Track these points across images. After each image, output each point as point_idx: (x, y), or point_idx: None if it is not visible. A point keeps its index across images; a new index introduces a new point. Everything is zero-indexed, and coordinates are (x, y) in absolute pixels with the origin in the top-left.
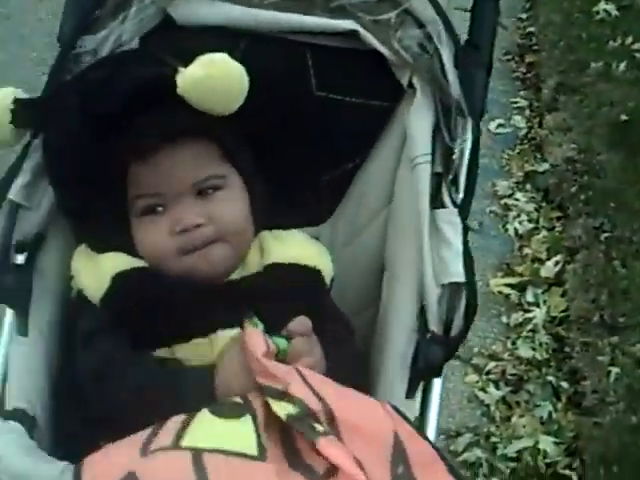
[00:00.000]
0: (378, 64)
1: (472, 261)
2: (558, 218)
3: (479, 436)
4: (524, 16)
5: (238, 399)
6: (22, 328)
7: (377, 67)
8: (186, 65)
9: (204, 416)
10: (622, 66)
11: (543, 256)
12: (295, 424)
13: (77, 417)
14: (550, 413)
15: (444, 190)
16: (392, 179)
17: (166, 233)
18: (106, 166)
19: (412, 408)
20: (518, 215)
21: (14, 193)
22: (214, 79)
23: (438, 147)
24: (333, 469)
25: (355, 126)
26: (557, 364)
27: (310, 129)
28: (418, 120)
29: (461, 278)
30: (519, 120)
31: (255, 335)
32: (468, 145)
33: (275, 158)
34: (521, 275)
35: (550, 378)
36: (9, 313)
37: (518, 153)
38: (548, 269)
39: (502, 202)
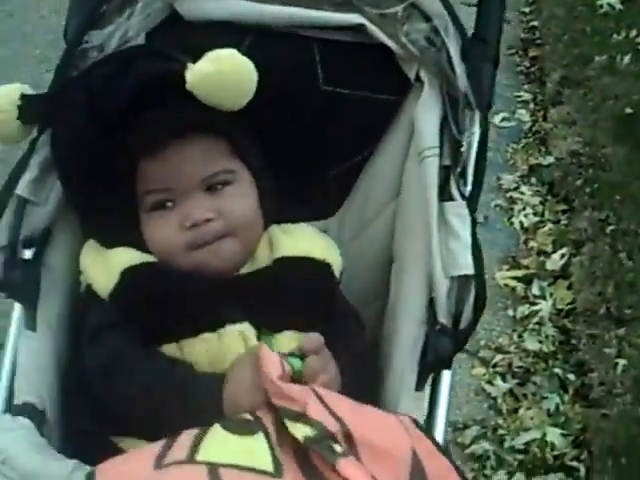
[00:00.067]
0: (385, 58)
1: (481, 253)
2: (564, 211)
3: (486, 429)
4: (527, 10)
5: (248, 416)
6: (30, 323)
7: (384, 61)
8: (195, 61)
9: (217, 432)
10: (626, 59)
11: (549, 249)
12: (313, 446)
13: (86, 412)
14: (557, 405)
15: (452, 183)
16: (400, 172)
17: (176, 228)
18: (115, 162)
19: (421, 400)
20: (523, 208)
21: (21, 188)
22: (223, 74)
23: (446, 140)
24: None
25: (362, 120)
26: (564, 356)
27: (317, 123)
28: (426, 113)
29: (470, 270)
30: (523, 114)
31: (270, 357)
32: (476, 138)
33: (282, 152)
34: (527, 268)
35: (557, 370)
36: (17, 308)
37: (523, 147)
38: (554, 262)
39: (507, 195)
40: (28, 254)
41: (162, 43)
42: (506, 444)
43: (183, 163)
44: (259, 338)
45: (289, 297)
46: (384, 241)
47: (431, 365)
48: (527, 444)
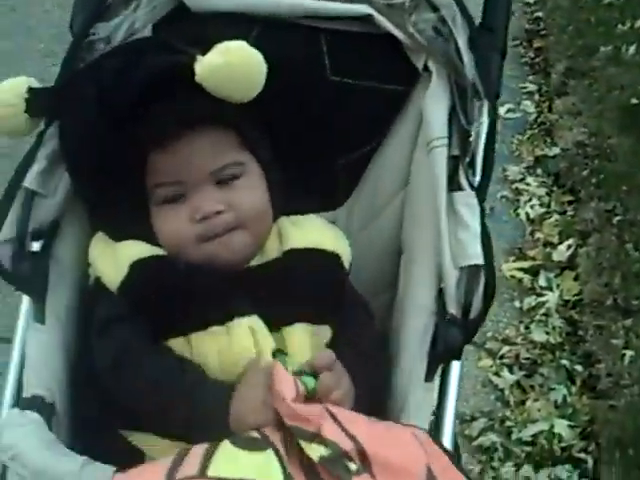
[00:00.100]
0: (393, 48)
1: (490, 243)
2: (570, 202)
3: (494, 420)
4: (532, 1)
5: (255, 434)
6: (39, 315)
7: (392, 51)
8: (203, 53)
9: (226, 447)
10: (631, 49)
11: (555, 240)
12: (328, 465)
13: (95, 405)
14: (565, 397)
15: (461, 173)
16: (408, 163)
17: (186, 221)
18: (124, 155)
19: (431, 391)
20: (529, 199)
21: (29, 181)
22: (233, 67)
23: (454, 130)
24: None
25: (370, 110)
26: (571, 348)
27: (325, 114)
28: (434, 103)
29: (479, 260)
30: (528, 105)
31: (284, 378)
32: (484, 128)
33: (290, 143)
34: (533, 259)
35: (564, 362)
36: (26, 300)
37: (528, 138)
38: (560, 253)
39: (513, 187)
40: (36, 246)
41: (169, 35)
42: (513, 436)
43: (193, 155)
44: (270, 331)
45: (299, 289)
46: (393, 231)
47: (441, 356)
48: (534, 436)
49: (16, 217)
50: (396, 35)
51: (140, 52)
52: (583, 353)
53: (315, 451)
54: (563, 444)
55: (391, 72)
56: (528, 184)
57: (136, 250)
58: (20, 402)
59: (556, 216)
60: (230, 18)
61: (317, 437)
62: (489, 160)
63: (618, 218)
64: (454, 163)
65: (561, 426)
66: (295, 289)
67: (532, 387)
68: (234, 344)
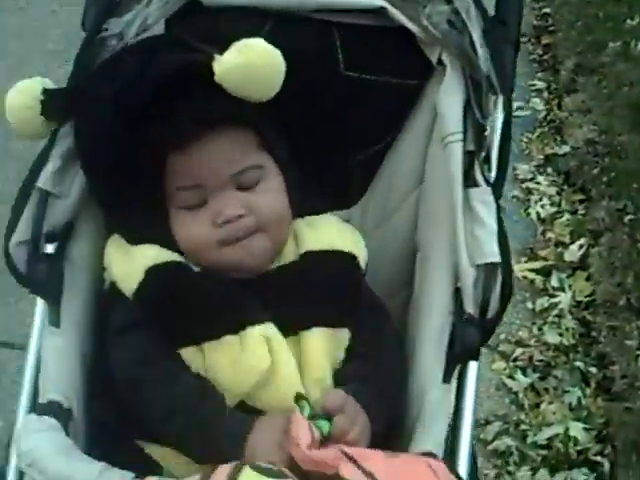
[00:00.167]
0: (406, 41)
1: (507, 240)
2: (581, 201)
3: (508, 424)
4: None
5: (272, 465)
6: (54, 318)
7: (405, 45)
8: (220, 51)
9: (248, 472)
10: None
11: (567, 240)
12: None
13: (111, 412)
14: (579, 399)
15: (477, 168)
16: (423, 159)
17: (208, 225)
18: (142, 155)
19: (449, 392)
20: (540, 199)
21: (43, 181)
22: (252, 66)
23: (469, 125)
24: None
25: (384, 105)
26: (585, 349)
27: (339, 109)
28: (448, 97)
29: (496, 258)
30: (537, 102)
31: (300, 424)
32: (499, 122)
33: (304, 140)
34: (545, 259)
35: (578, 364)
36: (40, 304)
37: (538, 136)
38: (572, 253)
39: (523, 186)
40: (51, 248)
41: (182, 30)
42: (529, 439)
43: (213, 157)
44: (287, 336)
45: (316, 292)
46: (408, 229)
47: (459, 356)
48: (550, 439)
49: (31, 218)
50: (410, 28)
51: (155, 51)
52: (597, 354)
53: None
54: (579, 447)
55: (405, 66)
56: (538, 183)
57: (151, 255)
58: (37, 407)
59: (567, 215)
60: (243, 12)
61: (336, 478)
62: (505, 155)
63: (630, 217)
64: (469, 158)
65: (576, 429)
66: (312, 292)
67: (546, 390)
68: (247, 355)
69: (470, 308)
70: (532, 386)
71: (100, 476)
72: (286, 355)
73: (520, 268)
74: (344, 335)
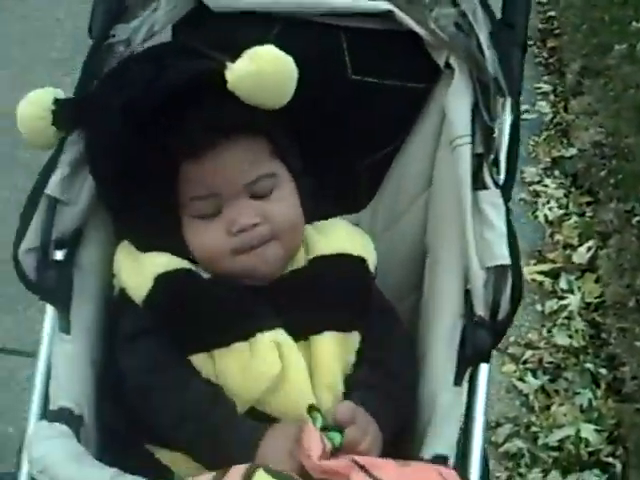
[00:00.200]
0: (414, 45)
1: (516, 242)
2: (588, 203)
3: (519, 426)
4: (544, 0)
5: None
6: (64, 325)
7: (413, 48)
8: (232, 58)
9: (261, 474)
10: None
11: (575, 242)
12: None
13: (121, 418)
14: (590, 401)
15: (485, 171)
16: (431, 162)
17: (222, 233)
18: (154, 165)
19: (460, 395)
20: (547, 201)
21: (51, 188)
22: (265, 74)
23: (478, 127)
24: None
25: (392, 109)
26: (594, 351)
27: (346, 114)
28: (457, 101)
29: (506, 260)
30: (544, 105)
31: (312, 435)
32: (507, 125)
33: (312, 144)
34: (553, 262)
35: (588, 365)
36: (49, 311)
37: (544, 139)
38: (580, 255)
39: (531, 189)
40: (60, 255)
41: (189, 36)
42: (540, 441)
43: (228, 165)
44: (298, 341)
45: (326, 296)
46: (417, 232)
47: (470, 359)
48: (561, 441)
49: (40, 225)
50: (417, 31)
51: (165, 59)
52: (607, 356)
53: None
54: (590, 449)
55: (412, 69)
56: (546, 186)
57: (161, 262)
58: (48, 414)
59: (575, 218)
60: (250, 17)
61: None
62: (514, 158)
63: (638, 218)
64: (478, 161)
65: (587, 430)
66: (322, 296)
67: (557, 392)
68: (257, 361)
69: (480, 310)
70: (542, 388)
71: None
72: (297, 360)
73: (529, 270)
74: (355, 339)
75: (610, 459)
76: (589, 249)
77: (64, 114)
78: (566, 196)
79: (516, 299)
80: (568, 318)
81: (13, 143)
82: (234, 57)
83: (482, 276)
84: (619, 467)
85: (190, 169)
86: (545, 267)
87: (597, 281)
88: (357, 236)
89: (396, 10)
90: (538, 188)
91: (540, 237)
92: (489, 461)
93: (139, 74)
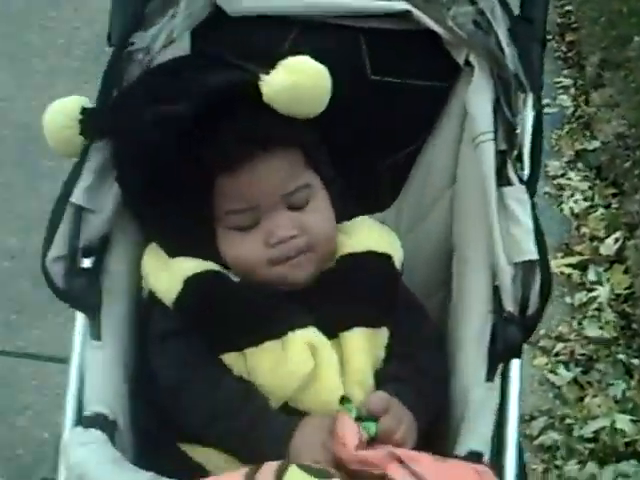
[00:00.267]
0: (432, 44)
1: (543, 237)
2: (614, 195)
3: (554, 419)
4: None
5: (318, 465)
6: (95, 332)
7: (432, 47)
8: (265, 68)
9: (294, 470)
10: None
11: (602, 234)
12: None
13: (155, 420)
14: (624, 391)
15: (509, 167)
16: (455, 160)
17: (260, 244)
18: (188, 178)
19: (493, 390)
20: (572, 194)
21: (77, 196)
22: (301, 87)
23: (500, 124)
24: None
25: (413, 108)
26: (626, 341)
27: (367, 114)
28: (478, 98)
29: (534, 255)
30: (565, 99)
31: (347, 425)
32: (530, 120)
33: (334, 147)
34: (581, 254)
35: (620, 356)
36: (80, 317)
37: (567, 132)
38: (608, 246)
39: (555, 182)
40: (88, 262)
41: (208, 41)
42: (575, 433)
43: (264, 178)
44: (329, 338)
45: (354, 292)
46: (442, 230)
47: (501, 354)
48: (596, 432)
49: (66, 234)
50: (436, 30)
51: (197, 70)
52: (639, 346)
53: None
54: (626, 439)
55: (432, 68)
56: (570, 179)
57: (190, 265)
58: (82, 420)
59: (601, 210)
60: (268, 21)
61: (383, 479)
62: (537, 152)
63: None
64: (502, 157)
65: (623, 421)
66: (351, 293)
67: (589, 383)
68: (289, 359)
69: (510, 306)
70: (575, 380)
71: None
72: (329, 358)
73: (556, 264)
74: (383, 334)
75: None
76: (616, 240)
77: (92, 123)
78: (591, 188)
79: (545, 294)
80: (598, 310)
81: (37, 152)
82: (267, 66)
83: (510, 272)
84: None
85: (226, 182)
86: (573, 260)
87: (626, 272)
88: (383, 233)
89: (414, 9)
90: (562, 181)
91: (566, 230)
92: (524, 454)
93: (171, 86)
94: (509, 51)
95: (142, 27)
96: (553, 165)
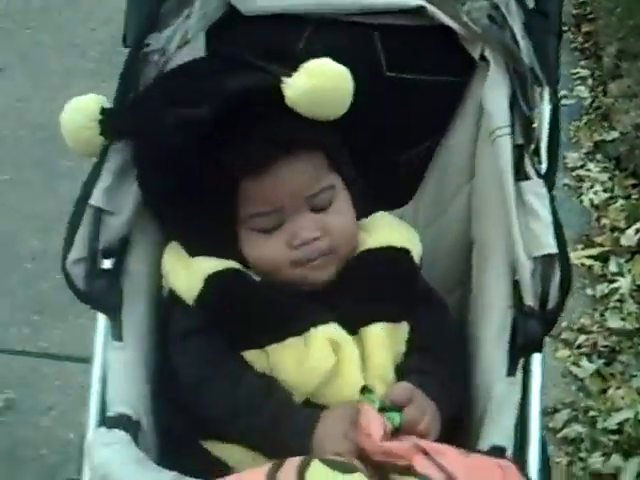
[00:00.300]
0: (447, 39)
1: (562, 231)
2: (633, 185)
3: (577, 411)
4: None
5: (341, 458)
6: (116, 333)
7: (446, 42)
8: (286, 70)
9: (317, 465)
10: None
11: (622, 225)
12: None
13: (177, 418)
14: None
15: (527, 161)
16: (472, 155)
17: (283, 246)
18: (212, 182)
19: (515, 385)
20: (592, 186)
21: (96, 198)
22: (324, 90)
23: (517, 118)
24: None
25: (429, 104)
26: None
27: (383, 111)
28: (494, 92)
29: (553, 249)
30: (582, 90)
31: (371, 415)
32: (546, 114)
33: (353, 145)
34: (601, 245)
35: None
36: (101, 319)
37: (585, 123)
38: (629, 237)
39: (574, 174)
40: (108, 264)
41: (222, 41)
42: (599, 425)
43: (289, 180)
44: (350, 333)
45: (374, 287)
46: (461, 226)
47: (522, 349)
48: (620, 424)
49: (86, 235)
50: (450, 26)
51: (218, 73)
52: None
53: None
54: None
55: (447, 64)
56: (589, 170)
57: (211, 263)
58: (106, 421)
59: (621, 201)
60: (282, 19)
61: (408, 470)
62: (555, 146)
63: None
64: (519, 152)
65: None
66: (370, 288)
67: (612, 375)
68: (311, 355)
69: (530, 300)
70: (598, 372)
71: None
72: (351, 353)
73: (577, 255)
74: (404, 329)
75: None
76: (637, 231)
77: (112, 125)
78: (610, 179)
79: (565, 287)
80: (620, 301)
81: (55, 152)
82: (288, 67)
83: (529, 266)
84: None
85: (249, 186)
86: (593, 251)
87: None
88: (401, 228)
89: (428, 5)
90: (581, 173)
91: (586, 221)
92: (548, 447)
93: (191, 89)
94: (524, 45)
95: (157, 28)
96: (572, 157)
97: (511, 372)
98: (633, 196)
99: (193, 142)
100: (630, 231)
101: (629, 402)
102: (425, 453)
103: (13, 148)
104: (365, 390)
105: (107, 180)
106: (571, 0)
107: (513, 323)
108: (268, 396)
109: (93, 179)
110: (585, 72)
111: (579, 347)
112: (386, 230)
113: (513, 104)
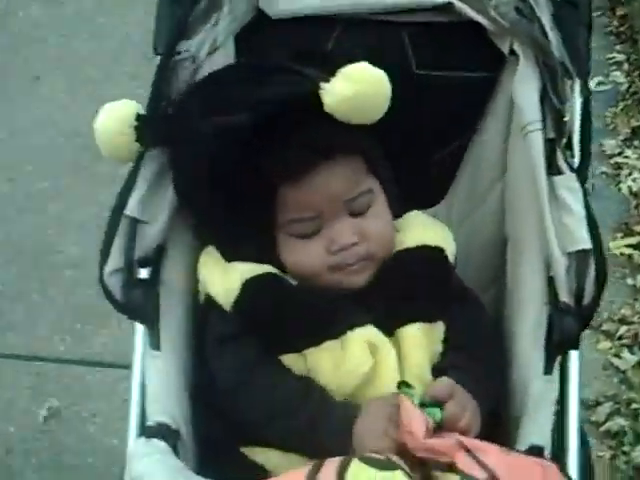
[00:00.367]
0: (476, 35)
1: (596, 225)
2: None
3: (619, 404)
4: None
5: (380, 456)
6: (154, 342)
7: (475, 38)
8: (325, 74)
9: (357, 464)
10: None
11: None
12: None
13: (216, 424)
14: None
15: (559, 155)
16: (504, 151)
17: (321, 251)
18: (251, 189)
19: (552, 383)
20: (630, 173)
21: (131, 209)
22: (364, 96)
23: (548, 112)
24: None
25: (460, 102)
26: None
27: (414, 109)
28: (524, 86)
29: (587, 244)
30: (618, 75)
31: (412, 412)
32: (578, 106)
33: (385, 145)
34: None
35: None
36: (139, 328)
37: (622, 109)
38: None
39: (612, 161)
40: (145, 273)
41: (251, 45)
42: None
43: (327, 186)
44: (386, 335)
45: (410, 287)
46: (495, 223)
47: (558, 346)
48: None
49: (122, 246)
50: (479, 21)
51: (255, 80)
52: None
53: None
54: None
55: (477, 59)
56: (627, 157)
57: (248, 268)
58: (145, 430)
59: None
60: (310, 21)
61: (451, 467)
62: (586, 139)
63: None
64: (551, 146)
65: None
66: (405, 289)
67: None
68: (348, 359)
69: (565, 297)
70: None
71: None
72: (388, 355)
73: (616, 245)
74: (440, 328)
75: None
76: None
77: (148, 132)
78: None
79: (601, 283)
80: None
81: (93, 158)
82: (327, 72)
83: (564, 262)
84: None
85: (289, 192)
86: (633, 240)
87: None
88: (435, 227)
89: (455, 1)
90: (619, 160)
91: (625, 210)
92: (590, 441)
93: (227, 96)
94: (554, 37)
95: (186, 36)
96: (609, 144)
97: (548, 370)
98: None
99: (230, 149)
100: None
101: None
102: (467, 450)
103: (52, 156)
104: (403, 385)
105: (142, 188)
106: None
107: (549, 320)
108: (306, 398)
109: (128, 188)
110: (621, 57)
111: (620, 338)
112: (420, 229)
113: (544, 98)
